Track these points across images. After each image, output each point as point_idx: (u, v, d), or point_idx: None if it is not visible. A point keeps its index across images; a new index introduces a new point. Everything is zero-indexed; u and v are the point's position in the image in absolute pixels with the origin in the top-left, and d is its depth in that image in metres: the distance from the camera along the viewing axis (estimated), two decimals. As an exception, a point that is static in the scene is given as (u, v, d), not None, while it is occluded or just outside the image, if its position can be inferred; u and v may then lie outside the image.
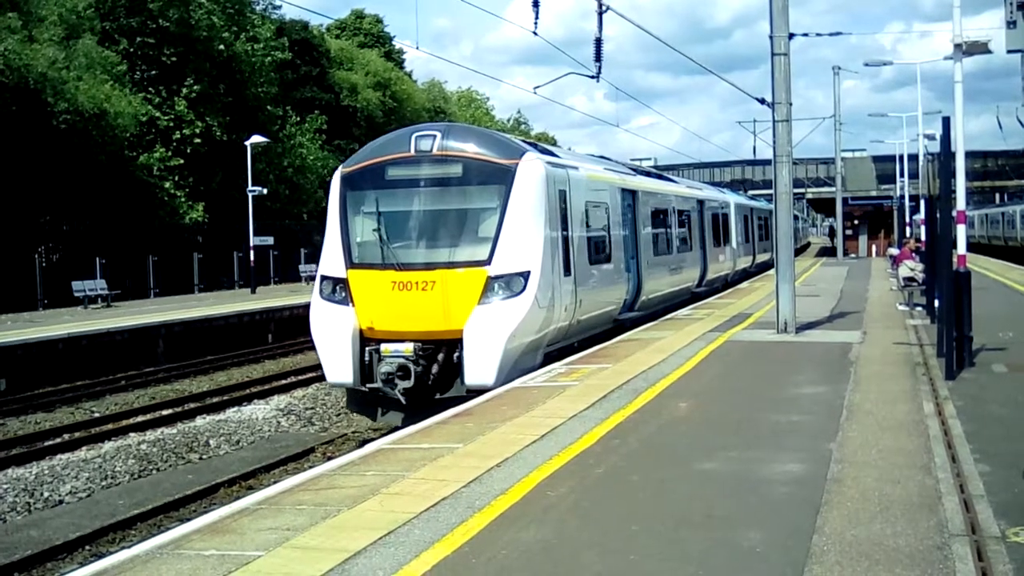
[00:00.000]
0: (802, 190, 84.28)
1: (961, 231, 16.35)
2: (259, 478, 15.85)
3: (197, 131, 47.67)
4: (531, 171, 17.16)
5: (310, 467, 14.53)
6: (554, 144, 36.19)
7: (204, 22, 48.45)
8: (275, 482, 12.65)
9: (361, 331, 16.70)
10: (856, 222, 72.98)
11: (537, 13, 21.67)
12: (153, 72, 47.94)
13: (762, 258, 50.55)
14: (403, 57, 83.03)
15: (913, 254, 26.58)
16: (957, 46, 16.59)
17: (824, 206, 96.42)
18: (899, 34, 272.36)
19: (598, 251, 20.86)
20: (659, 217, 27.66)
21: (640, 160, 69.80)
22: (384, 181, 17.43)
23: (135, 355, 27.68)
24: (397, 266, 16.67)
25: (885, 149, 78.40)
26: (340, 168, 18.31)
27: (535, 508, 8.49)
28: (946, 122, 15.64)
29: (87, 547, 12.85)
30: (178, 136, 47.44)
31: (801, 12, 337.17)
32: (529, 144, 19.10)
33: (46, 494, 15.34)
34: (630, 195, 24.26)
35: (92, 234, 42.05)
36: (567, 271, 18.07)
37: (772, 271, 40.08)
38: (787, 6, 20.26)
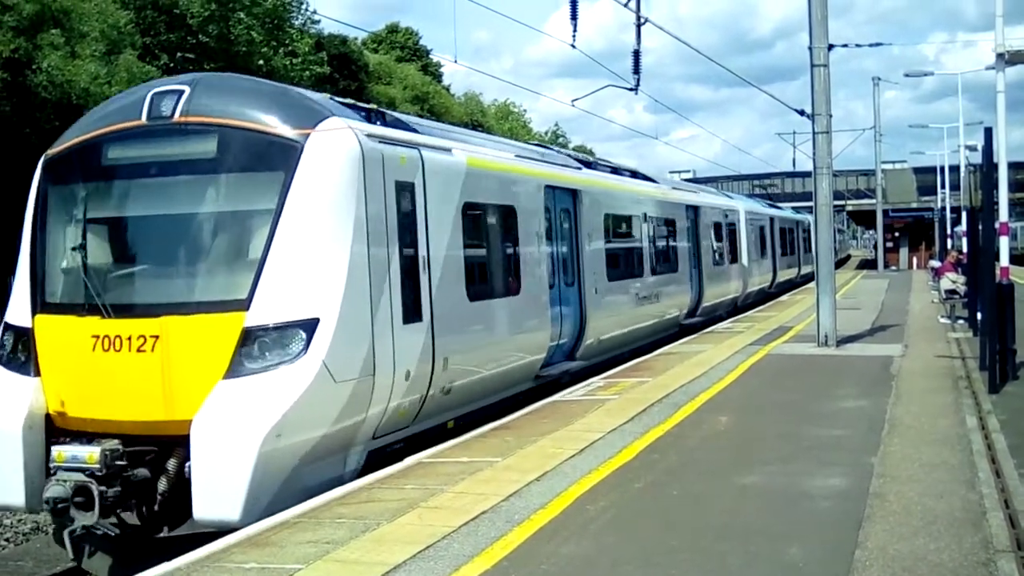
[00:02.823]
0: (842, 202, 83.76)
1: (1004, 243, 16.18)
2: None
3: (238, 146, 47.97)
4: (332, 149, 10.83)
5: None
6: (592, 157, 33.93)
7: (243, 37, 48.82)
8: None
9: (49, 417, 10.57)
10: (897, 234, 72.52)
11: (575, 26, 21.69)
12: (194, 87, 48.33)
13: (786, 275, 44.93)
14: (441, 71, 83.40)
15: (955, 267, 26.37)
16: (1000, 55, 16.45)
17: (864, 218, 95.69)
18: (942, 44, 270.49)
19: (491, 279, 14.89)
20: (620, 227, 21.61)
21: (678, 173, 69.08)
22: (100, 168, 11.32)
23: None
24: (103, 310, 10.45)
25: (926, 160, 77.88)
26: (47, 151, 11.89)
27: (575, 522, 8.46)
28: (988, 133, 15.53)
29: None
30: (219, 150, 47.73)
31: (842, 23, 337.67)
32: (348, 106, 12.35)
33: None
34: (567, 196, 17.92)
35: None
36: (413, 315, 11.84)
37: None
38: (826, 17, 20.19)
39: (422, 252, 12.23)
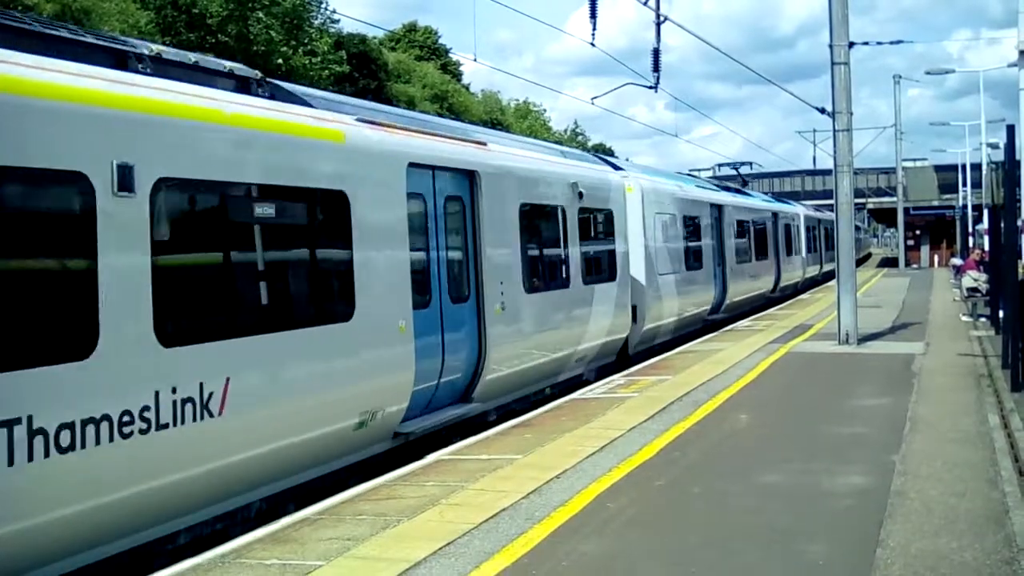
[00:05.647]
0: (863, 200, 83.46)
1: (1026, 240, 16.13)
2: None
3: (257, 145, 48.08)
4: None
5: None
6: (611, 155, 32.99)
7: (262, 37, 48.97)
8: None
9: None
10: (918, 232, 72.31)
11: (595, 25, 21.68)
12: (213, 86, 48.55)
13: (751, 290, 31.90)
14: (460, 69, 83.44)
15: (978, 265, 26.29)
16: (1022, 52, 16.40)
17: (886, 216, 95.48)
18: (965, 41, 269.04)
19: None
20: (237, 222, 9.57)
21: (699, 170, 68.16)
22: None
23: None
24: None
25: (948, 158, 77.72)
26: None
27: (595, 520, 8.45)
28: (1010, 130, 15.47)
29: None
30: (238, 150, 47.89)
31: (865, 20, 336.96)
32: None
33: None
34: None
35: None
36: None
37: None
38: (847, 16, 20.10)
39: None
